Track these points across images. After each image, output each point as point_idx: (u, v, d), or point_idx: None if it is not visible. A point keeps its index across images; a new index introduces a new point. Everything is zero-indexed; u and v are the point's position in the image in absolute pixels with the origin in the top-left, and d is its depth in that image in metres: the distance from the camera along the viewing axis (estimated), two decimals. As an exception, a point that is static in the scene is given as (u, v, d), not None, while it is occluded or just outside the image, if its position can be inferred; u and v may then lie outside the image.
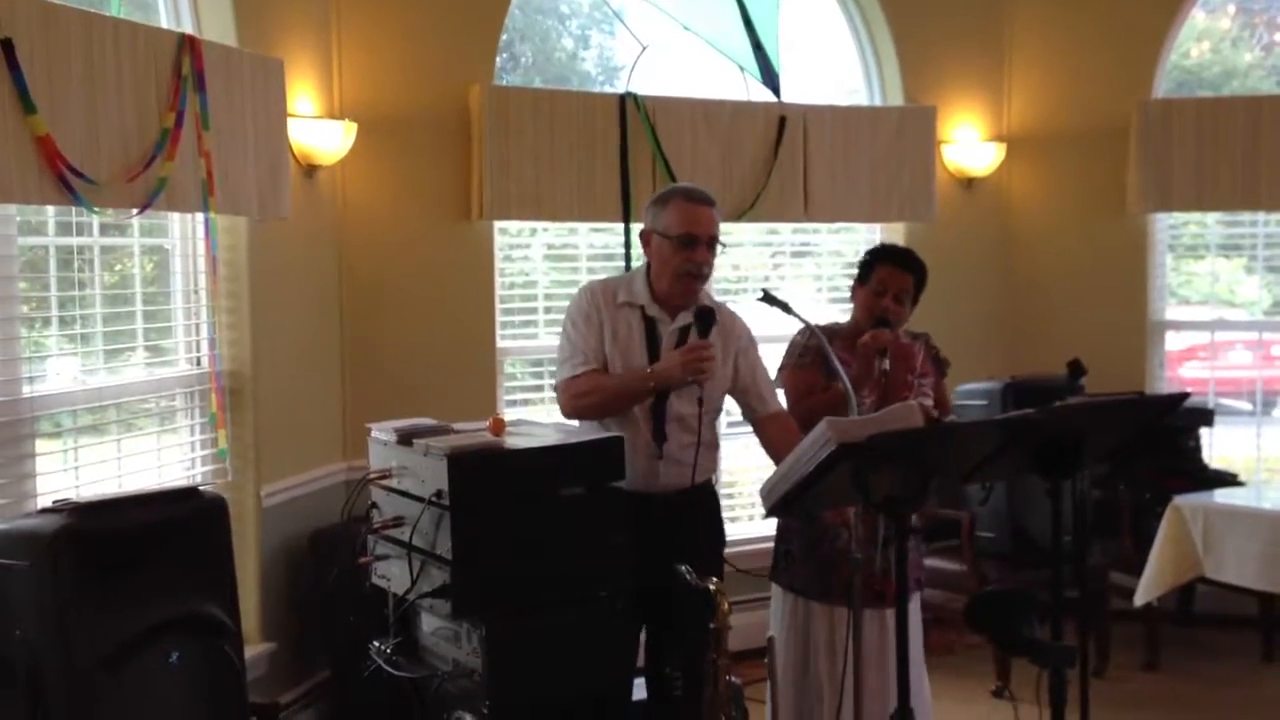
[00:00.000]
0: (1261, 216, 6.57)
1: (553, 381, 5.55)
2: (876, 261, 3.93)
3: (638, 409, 3.56)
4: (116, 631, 2.82)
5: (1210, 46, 7.69)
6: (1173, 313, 6.81)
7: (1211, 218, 6.73)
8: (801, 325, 3.82)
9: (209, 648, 3.04)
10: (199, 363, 4.50)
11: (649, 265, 3.69)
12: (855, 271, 4.03)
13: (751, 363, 3.77)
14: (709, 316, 3.56)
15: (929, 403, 3.88)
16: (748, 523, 6.16)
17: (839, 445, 2.73)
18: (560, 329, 3.74)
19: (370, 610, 3.35)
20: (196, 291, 4.50)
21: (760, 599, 4.13)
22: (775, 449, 3.72)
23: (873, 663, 3.57)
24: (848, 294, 4.09)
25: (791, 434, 3.82)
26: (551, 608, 3.00)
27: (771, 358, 3.95)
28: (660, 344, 3.59)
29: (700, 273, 3.59)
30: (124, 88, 3.77)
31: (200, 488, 3.27)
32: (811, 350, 3.85)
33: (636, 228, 3.76)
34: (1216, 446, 6.38)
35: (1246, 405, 7.11)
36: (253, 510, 4.61)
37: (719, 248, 3.65)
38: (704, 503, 3.77)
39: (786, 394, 3.92)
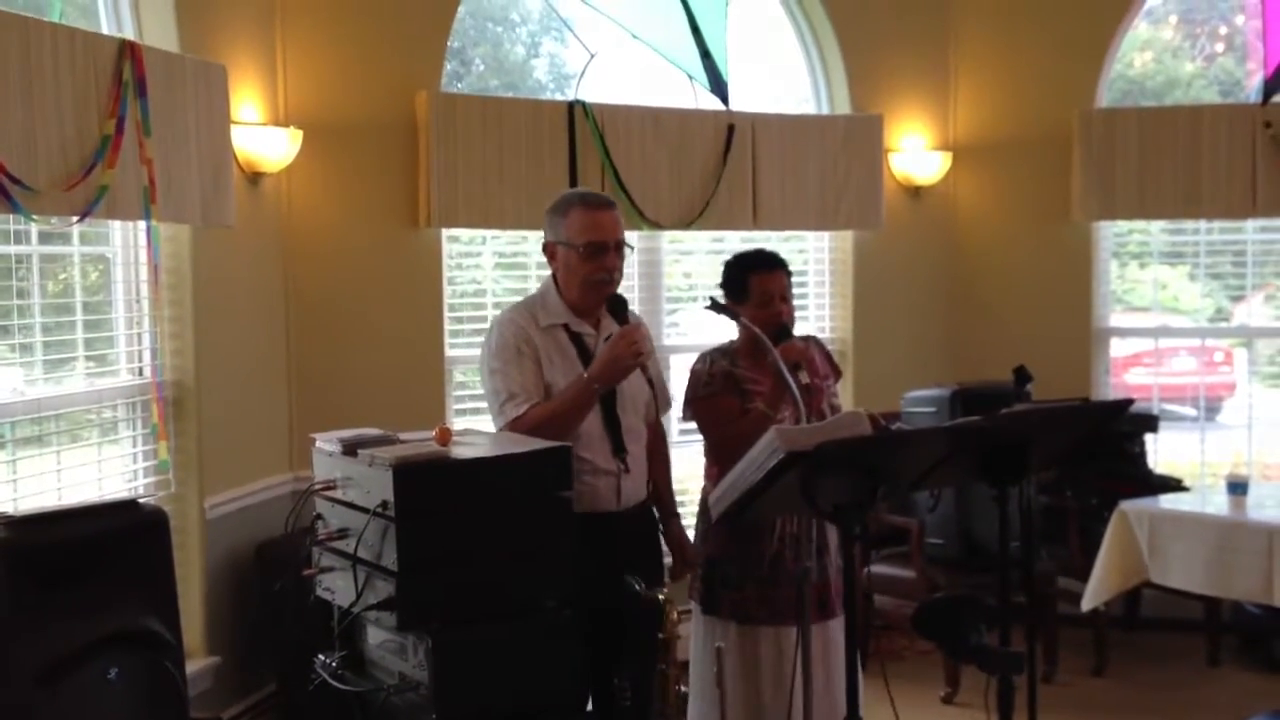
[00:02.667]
0: (1204, 225, 6.66)
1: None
2: (747, 272, 3.78)
3: (594, 429, 3.50)
4: (53, 647, 2.75)
5: (1153, 57, 7.79)
6: (1117, 319, 6.88)
7: (1156, 225, 6.81)
8: (706, 350, 3.84)
9: (149, 663, 2.98)
10: (141, 373, 4.44)
11: (555, 278, 3.60)
12: (801, 283, 3.97)
13: (658, 364, 3.76)
14: (622, 303, 3.51)
15: (838, 403, 3.87)
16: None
17: (787, 453, 2.72)
18: (482, 363, 3.61)
19: (316, 623, 3.31)
20: (139, 301, 4.44)
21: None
22: (650, 458, 3.74)
23: (817, 673, 3.55)
24: (796, 304, 4.00)
25: (661, 444, 3.90)
26: (499, 619, 2.97)
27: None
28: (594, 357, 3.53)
29: (611, 279, 3.51)
30: (63, 94, 3.72)
31: (140, 500, 3.22)
32: (718, 376, 3.78)
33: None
34: (1161, 452, 6.45)
35: (1190, 411, 7.19)
36: (196, 522, 4.55)
37: (627, 250, 3.58)
38: (651, 515, 3.77)
39: (701, 426, 3.84)
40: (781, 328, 3.69)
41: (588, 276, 3.49)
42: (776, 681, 3.70)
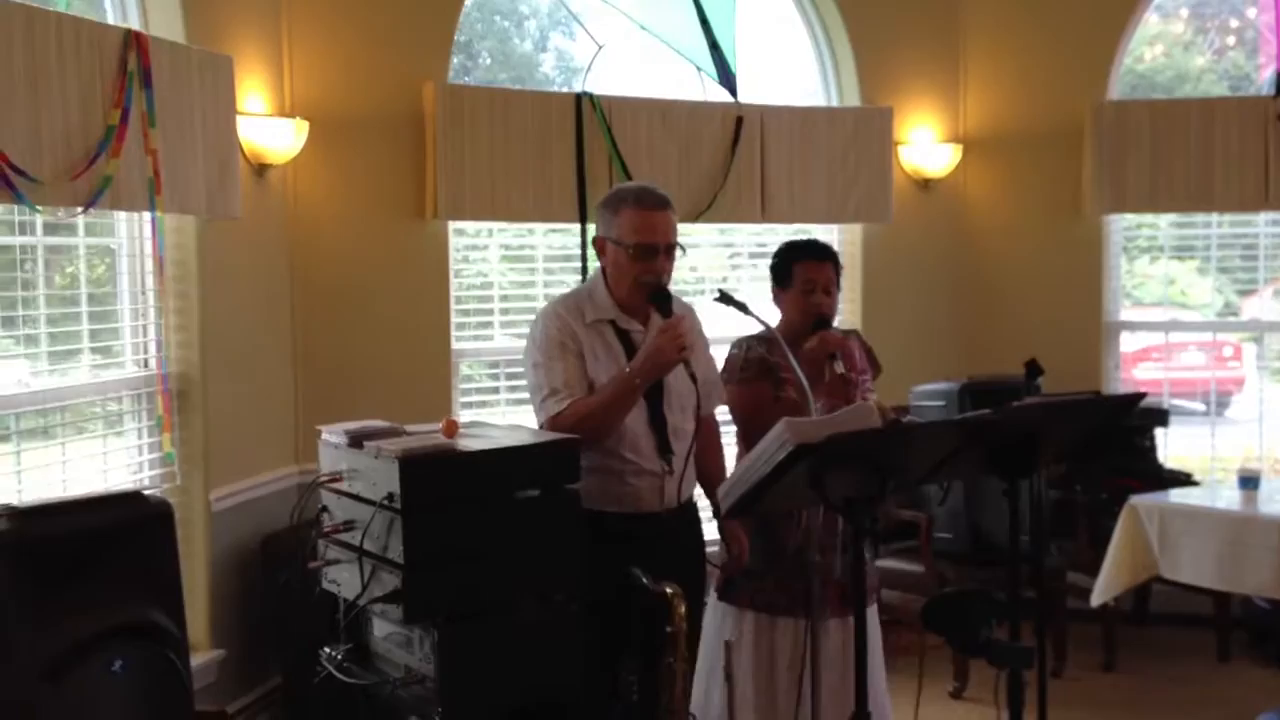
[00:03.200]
0: (1215, 218, 6.63)
1: (509, 384, 5.52)
2: (793, 260, 3.76)
3: (639, 428, 3.43)
4: (57, 640, 2.74)
5: (1163, 51, 7.74)
6: (1127, 314, 6.85)
7: (1165, 220, 6.78)
8: (744, 336, 3.74)
9: (154, 656, 2.96)
10: (146, 365, 4.42)
11: (604, 272, 3.53)
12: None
13: (707, 357, 3.68)
14: (667, 297, 3.41)
15: (873, 399, 3.76)
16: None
17: (797, 446, 2.70)
18: (526, 355, 3.53)
19: (322, 616, 3.29)
20: (144, 293, 4.42)
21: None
22: (703, 452, 3.65)
23: (836, 669, 3.53)
24: None
25: (715, 438, 3.82)
26: (505, 612, 2.95)
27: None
28: None
29: (660, 283, 3.43)
30: (68, 84, 3.71)
31: (145, 492, 3.20)
32: (754, 362, 3.73)
33: (593, 229, 3.63)
34: (1170, 447, 6.42)
35: (1200, 406, 7.16)
36: (202, 514, 4.53)
37: (678, 252, 3.51)
38: (695, 514, 3.69)
39: (733, 412, 3.79)
40: (820, 318, 3.67)
41: (636, 277, 3.42)
42: (793, 674, 3.66)
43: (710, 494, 3.64)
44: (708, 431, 3.73)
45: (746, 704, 3.65)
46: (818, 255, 3.77)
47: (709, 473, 3.69)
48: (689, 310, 3.66)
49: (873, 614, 3.74)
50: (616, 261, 3.46)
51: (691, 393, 3.37)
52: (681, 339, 3.27)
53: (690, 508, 3.66)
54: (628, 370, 3.34)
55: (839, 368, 3.53)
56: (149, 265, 4.37)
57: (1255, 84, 7.13)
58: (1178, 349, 7.30)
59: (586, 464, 3.36)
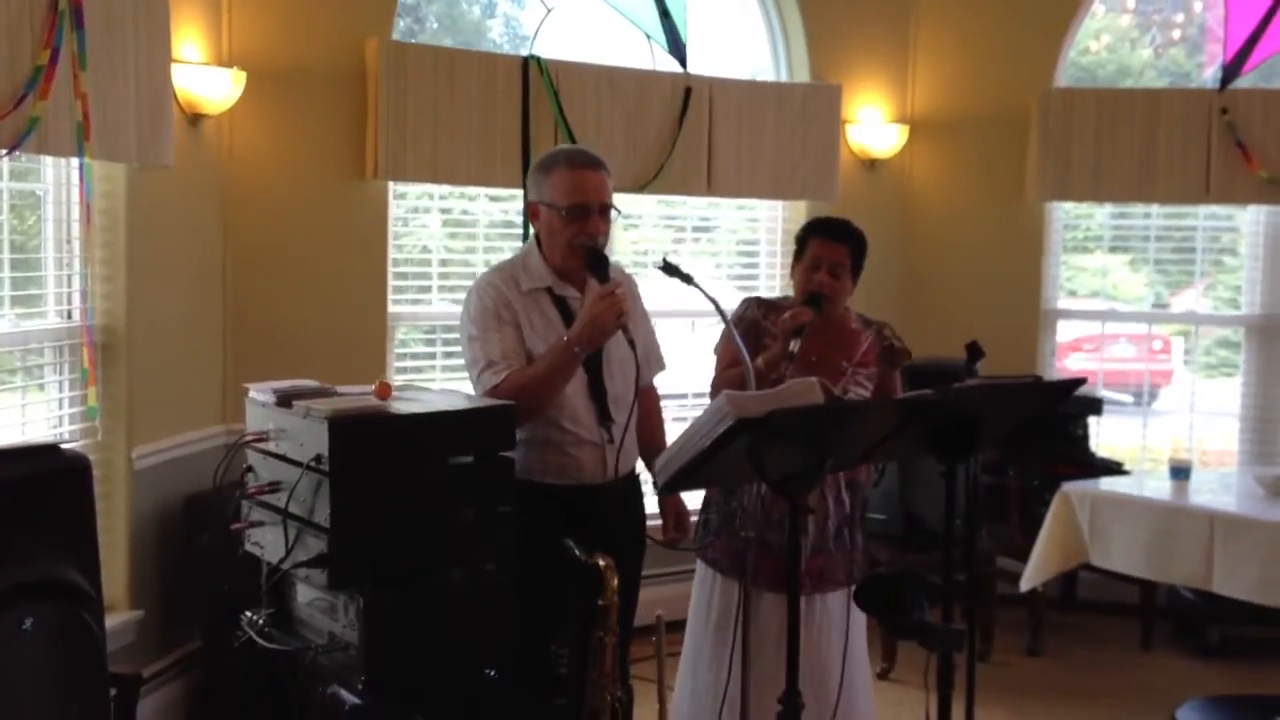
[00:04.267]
0: (1155, 209, 6.67)
1: (445, 349, 5.43)
2: (809, 235, 3.78)
3: (579, 397, 3.38)
4: (-36, 596, 2.64)
5: (1108, 44, 7.77)
6: (1064, 303, 6.88)
7: (1100, 214, 6.83)
8: (750, 297, 3.79)
9: (67, 614, 2.86)
10: (70, 316, 4.28)
11: (537, 239, 3.46)
12: (753, 253, 3.95)
13: (646, 326, 3.65)
14: (603, 260, 3.34)
15: (864, 393, 3.75)
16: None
17: (737, 420, 2.65)
18: (461, 329, 3.47)
19: (244, 579, 3.20)
20: (69, 241, 4.27)
21: (661, 575, 4.07)
22: (643, 422, 3.58)
23: (775, 643, 3.50)
24: (747, 274, 3.99)
25: (655, 408, 3.80)
26: (434, 580, 2.88)
27: (669, 332, 3.83)
28: None
29: (595, 244, 3.36)
30: (-7, 20, 3.55)
31: (62, 445, 3.09)
32: (747, 322, 3.75)
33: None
34: (1100, 438, 6.46)
35: (1128, 398, 7.25)
36: (123, 472, 4.41)
37: (613, 214, 3.44)
38: (637, 487, 3.66)
39: (716, 362, 3.82)
40: (812, 295, 3.67)
41: (570, 240, 3.35)
42: (721, 638, 3.65)
43: (650, 465, 3.59)
44: (648, 401, 3.68)
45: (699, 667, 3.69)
46: (832, 234, 3.77)
47: (649, 443, 3.64)
48: (626, 277, 3.61)
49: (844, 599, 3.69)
50: (550, 225, 3.40)
51: (631, 361, 3.29)
52: (619, 304, 3.21)
53: (633, 480, 3.63)
54: (565, 338, 3.27)
55: (793, 345, 3.48)
56: (75, 213, 4.22)
57: (1197, 82, 7.17)
58: (1109, 341, 7.37)
59: (527, 435, 3.31)
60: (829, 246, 3.73)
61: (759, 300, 3.86)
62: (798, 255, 3.80)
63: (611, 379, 3.44)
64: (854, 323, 3.85)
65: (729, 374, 3.66)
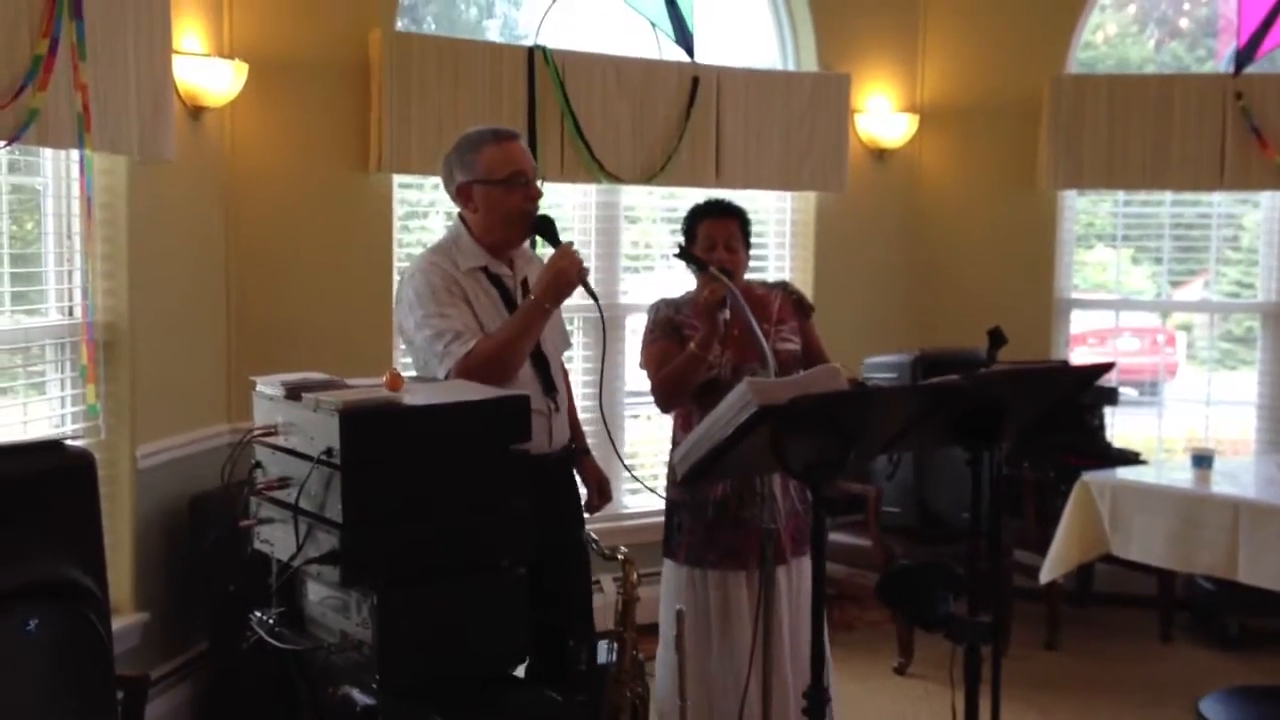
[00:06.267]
0: (1169, 196, 6.59)
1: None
2: (695, 221, 3.86)
3: (525, 368, 3.40)
4: (-35, 597, 2.56)
5: (1112, 35, 7.69)
6: (1077, 293, 6.80)
7: (1104, 209, 6.75)
8: (656, 300, 3.89)
9: (72, 616, 2.78)
10: (71, 313, 4.21)
11: (466, 224, 3.50)
12: (760, 245, 3.92)
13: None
14: (550, 222, 3.46)
15: (793, 348, 3.84)
16: (648, 495, 6.00)
17: (760, 407, 2.58)
18: (408, 315, 3.45)
19: (252, 578, 3.13)
20: (70, 237, 4.20)
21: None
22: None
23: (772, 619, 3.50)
24: (754, 266, 3.99)
25: (567, 381, 3.84)
26: (448, 576, 2.81)
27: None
28: (516, 299, 3.45)
29: (536, 209, 3.47)
30: (-9, 9, 3.48)
31: (65, 442, 3.01)
32: (661, 323, 3.83)
33: (547, 187, 3.59)
34: (1112, 429, 6.38)
35: (1133, 392, 7.19)
36: (127, 471, 4.33)
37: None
38: (573, 456, 3.70)
39: (648, 370, 3.84)
40: (719, 270, 3.66)
41: (515, 208, 3.42)
42: (724, 629, 3.65)
43: (578, 435, 3.76)
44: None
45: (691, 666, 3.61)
46: (717, 212, 3.86)
47: (570, 414, 3.76)
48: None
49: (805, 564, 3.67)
50: (489, 201, 3.44)
51: (562, 332, 3.49)
52: (579, 258, 3.30)
53: (570, 450, 3.67)
54: (534, 297, 3.32)
55: (723, 316, 3.53)
56: (75, 208, 4.15)
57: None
58: (1114, 335, 7.32)
59: None
60: (718, 224, 3.82)
61: (665, 301, 3.92)
62: (689, 240, 3.85)
63: (549, 349, 3.53)
64: (759, 289, 3.95)
65: (671, 368, 3.70)
